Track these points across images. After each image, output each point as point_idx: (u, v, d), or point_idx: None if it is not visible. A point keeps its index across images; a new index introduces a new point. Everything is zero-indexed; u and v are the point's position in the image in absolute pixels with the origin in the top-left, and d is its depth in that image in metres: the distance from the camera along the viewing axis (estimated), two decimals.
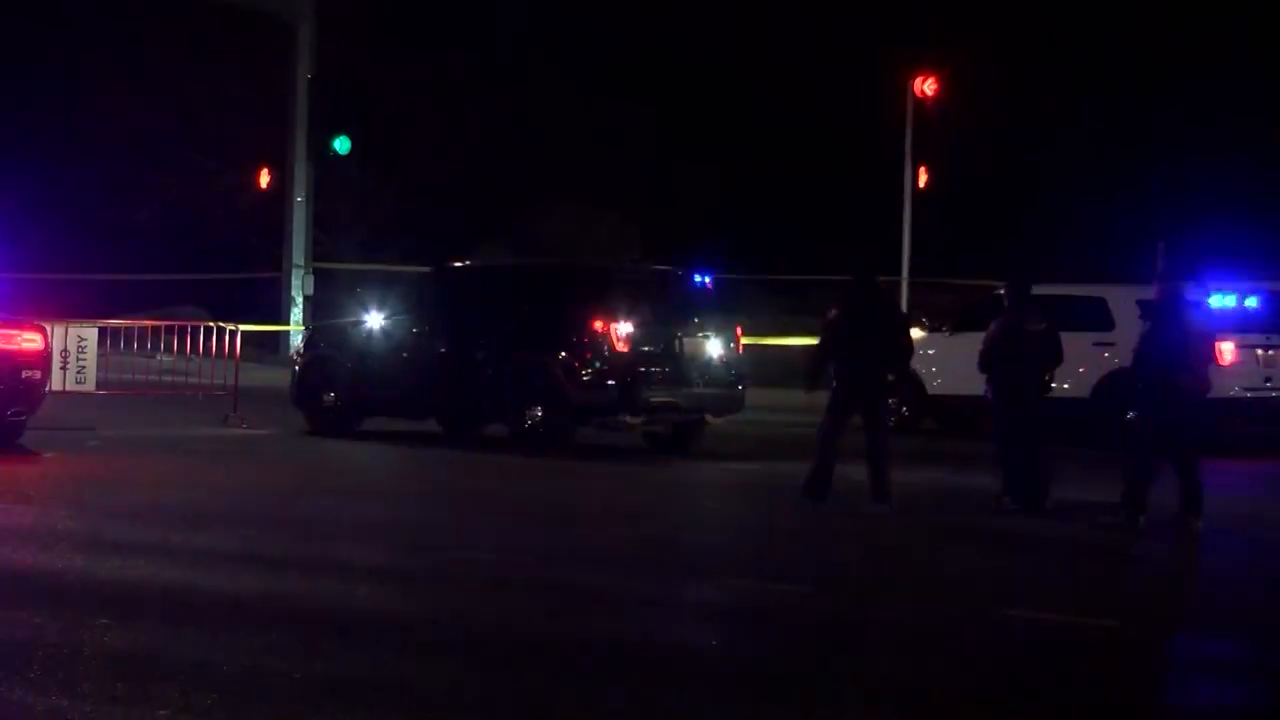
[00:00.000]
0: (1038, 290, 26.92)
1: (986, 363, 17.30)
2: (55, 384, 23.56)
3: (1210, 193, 46.42)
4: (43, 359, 20.65)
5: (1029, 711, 8.69)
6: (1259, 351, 25.31)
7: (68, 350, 25.99)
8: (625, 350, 21.71)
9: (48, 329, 21.90)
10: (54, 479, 17.87)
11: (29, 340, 20.19)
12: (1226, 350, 24.86)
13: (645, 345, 21.90)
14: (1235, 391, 24.89)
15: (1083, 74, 52.10)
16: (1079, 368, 25.39)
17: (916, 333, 27.86)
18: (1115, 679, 9.48)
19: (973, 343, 26.34)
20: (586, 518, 16.38)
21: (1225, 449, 24.88)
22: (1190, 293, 17.30)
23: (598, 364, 21.75)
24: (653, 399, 21.80)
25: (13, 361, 19.75)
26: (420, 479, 19.79)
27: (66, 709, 7.75)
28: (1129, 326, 25.23)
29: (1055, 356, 17.75)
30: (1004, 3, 52.04)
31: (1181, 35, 51.16)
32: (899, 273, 40.32)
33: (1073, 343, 25.44)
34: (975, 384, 26.37)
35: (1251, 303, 25.87)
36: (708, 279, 23.34)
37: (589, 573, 12.63)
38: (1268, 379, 25.34)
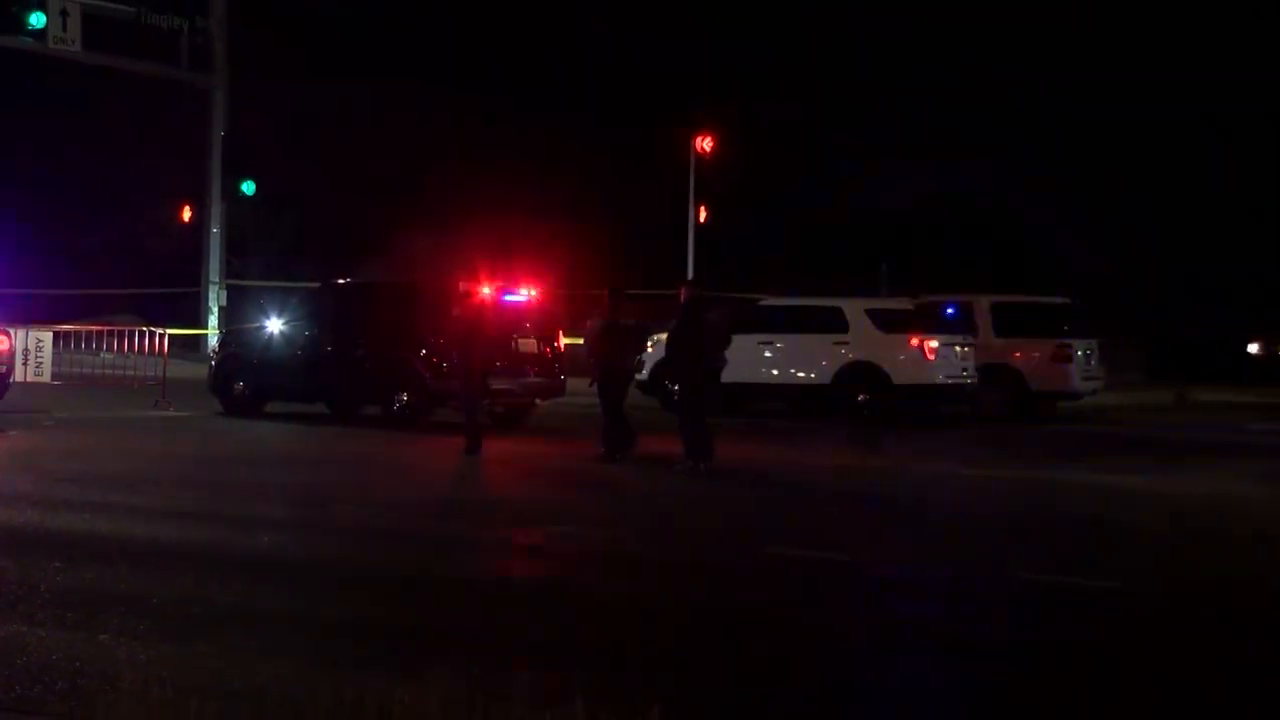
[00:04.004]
0: (796, 303, 27.50)
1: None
2: (18, 376, 23.08)
3: (929, 222, 47.33)
4: (7, 356, 20.21)
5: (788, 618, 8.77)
6: (956, 349, 25.74)
7: (28, 349, 25.49)
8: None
9: (12, 332, 21.45)
10: (15, 451, 17.43)
11: None
12: (932, 347, 25.32)
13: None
14: (939, 379, 25.33)
15: (827, 130, 53.06)
16: (822, 361, 25.71)
17: None
18: (848, 599, 9.63)
19: (744, 343, 26.70)
20: (443, 479, 16.29)
21: (932, 423, 25.43)
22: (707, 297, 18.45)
23: (450, 359, 21.67)
24: (494, 386, 21.74)
25: None
26: (311, 449, 19.54)
27: (26, 634, 7.55)
28: (860, 329, 25.68)
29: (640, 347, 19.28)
30: (766, 77, 52.78)
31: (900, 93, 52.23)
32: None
33: (817, 343, 25.96)
34: (744, 373, 26.74)
35: (953, 309, 26.33)
36: (534, 293, 23.38)
37: (447, 522, 12.54)
38: (964, 370, 25.80)
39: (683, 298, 17.73)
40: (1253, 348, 45.15)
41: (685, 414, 17.10)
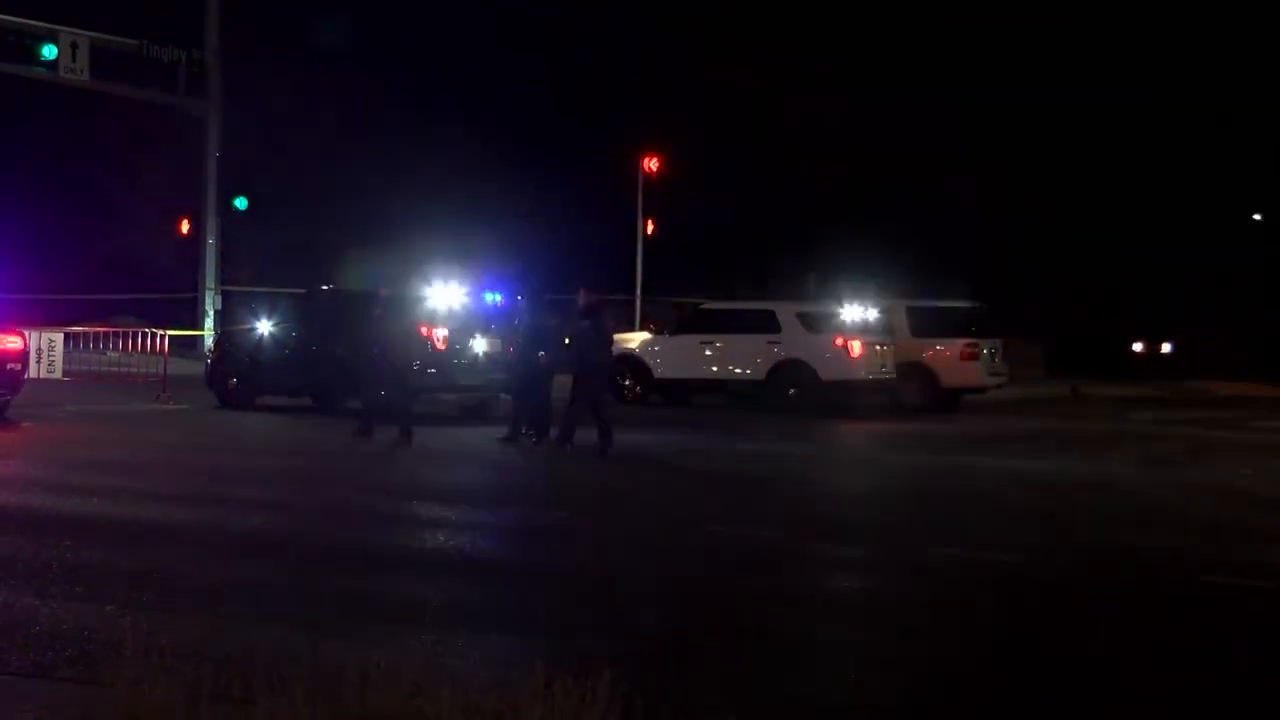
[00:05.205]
0: (733, 306, 27.67)
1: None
2: (32, 373, 22.88)
3: (849, 237, 47.57)
4: (23, 355, 20.09)
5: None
6: (878, 348, 25.91)
7: (41, 349, 25.35)
8: (443, 348, 21.66)
9: (26, 334, 21.30)
10: (30, 441, 17.30)
11: (12, 342, 19.65)
12: (855, 346, 25.46)
13: (457, 344, 21.83)
14: (862, 375, 25.50)
15: (764, 154, 53.24)
16: (757, 359, 25.83)
17: (644, 335, 28.16)
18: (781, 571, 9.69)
19: (687, 342, 26.83)
20: (417, 466, 16.26)
21: (853, 414, 25.55)
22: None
23: (425, 357, 21.63)
24: (463, 382, 21.80)
25: (0, 358, 19.20)
26: (299, 439, 19.47)
27: (38, 606, 7.51)
28: (791, 329, 25.79)
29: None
30: (704, 106, 52.91)
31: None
32: (634, 293, 40.64)
33: (752, 342, 26.08)
34: (687, 370, 26.81)
35: (874, 313, 26.38)
36: (499, 297, 23.37)
37: (424, 505, 12.53)
38: (883, 366, 25.98)
39: (582, 301, 17.83)
40: (1137, 346, 45.73)
41: (580, 401, 17.22)
